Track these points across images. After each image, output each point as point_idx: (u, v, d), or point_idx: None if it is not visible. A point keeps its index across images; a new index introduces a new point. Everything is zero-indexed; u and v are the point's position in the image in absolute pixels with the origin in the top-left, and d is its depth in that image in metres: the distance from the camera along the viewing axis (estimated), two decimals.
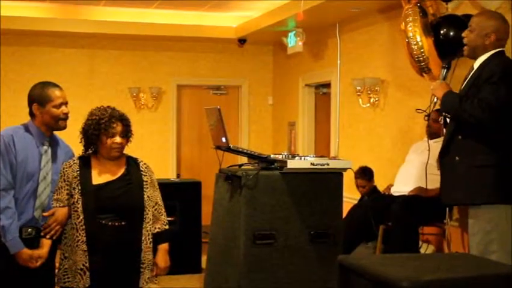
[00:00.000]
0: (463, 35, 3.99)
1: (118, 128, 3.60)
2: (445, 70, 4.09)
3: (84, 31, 8.70)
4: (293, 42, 8.00)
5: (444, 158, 3.93)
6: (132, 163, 3.75)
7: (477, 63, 3.91)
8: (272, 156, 4.67)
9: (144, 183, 3.70)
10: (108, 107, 3.69)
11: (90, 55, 9.28)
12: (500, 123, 3.70)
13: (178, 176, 9.36)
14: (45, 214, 3.61)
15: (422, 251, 5.69)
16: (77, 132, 3.70)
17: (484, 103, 3.65)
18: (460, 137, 3.80)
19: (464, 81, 4.00)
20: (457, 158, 3.81)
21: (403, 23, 5.35)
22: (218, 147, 4.67)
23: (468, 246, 3.99)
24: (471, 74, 3.92)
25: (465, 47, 3.97)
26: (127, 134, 3.65)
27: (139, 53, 9.43)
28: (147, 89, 9.44)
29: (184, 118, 9.89)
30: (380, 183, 6.50)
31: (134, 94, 9.34)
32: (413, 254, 4.70)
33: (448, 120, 4.04)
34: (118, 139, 3.60)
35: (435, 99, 4.03)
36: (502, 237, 3.75)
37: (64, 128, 3.75)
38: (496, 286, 2.48)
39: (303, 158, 4.61)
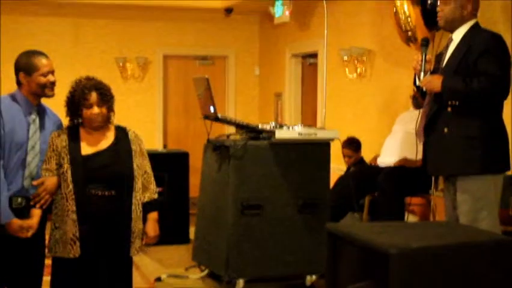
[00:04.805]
0: (438, 9, 3.99)
1: (93, 98, 3.57)
2: (424, 47, 4.02)
3: (68, 0, 8.61)
4: (280, 12, 7.97)
5: (430, 131, 3.95)
6: (121, 132, 3.74)
7: (457, 35, 3.91)
8: (260, 126, 4.69)
9: (133, 152, 3.70)
10: (86, 77, 3.68)
11: (75, 24, 9.19)
12: (508, 93, 3.75)
13: (165, 146, 9.37)
14: (34, 183, 3.61)
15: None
16: (62, 101, 3.69)
17: (492, 77, 3.67)
18: (449, 109, 3.82)
19: (443, 53, 4.00)
20: (445, 129, 3.83)
21: None
22: (206, 117, 4.69)
23: (448, 215, 4.04)
24: (453, 46, 3.92)
25: (441, 20, 3.96)
26: (105, 102, 3.62)
27: (124, 22, 9.35)
28: (133, 59, 9.38)
29: (171, 88, 9.86)
30: (367, 154, 6.54)
31: (121, 64, 9.29)
32: (401, 222, 4.76)
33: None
34: (95, 109, 3.58)
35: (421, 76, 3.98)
36: (490, 205, 3.81)
37: (52, 96, 3.73)
38: (482, 252, 2.53)
39: (290, 127, 4.64)
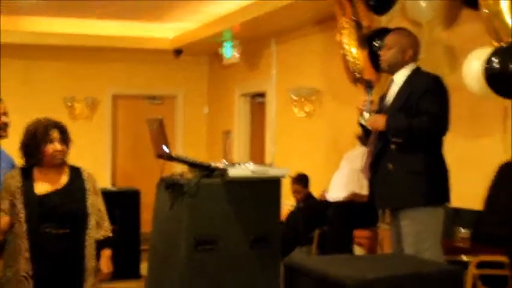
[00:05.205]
0: (381, 53, 4.19)
1: (55, 134, 3.63)
2: (369, 89, 4.20)
3: (19, 42, 8.56)
4: (229, 53, 8.10)
5: (376, 167, 4.10)
6: (74, 172, 3.78)
7: (399, 78, 4.09)
8: (213, 164, 4.74)
9: (86, 191, 3.73)
10: (43, 118, 3.71)
11: (25, 65, 9.14)
12: (448, 130, 3.93)
13: (113, 185, 9.31)
14: None
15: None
16: (13, 143, 3.70)
17: (433, 116, 3.86)
18: (393, 146, 3.98)
19: (385, 95, 4.17)
20: (390, 165, 3.99)
21: (338, 35, 5.52)
22: (160, 156, 4.72)
23: (393, 248, 4.17)
24: (396, 88, 4.09)
25: (384, 64, 4.16)
26: (65, 140, 3.68)
27: (74, 63, 9.35)
28: (82, 99, 9.36)
29: (120, 128, 9.85)
30: (315, 190, 6.65)
31: (69, 104, 9.26)
32: (351, 255, 4.85)
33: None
34: (58, 146, 3.62)
35: (365, 115, 4.15)
36: (433, 236, 3.97)
37: (5, 137, 3.75)
38: (432, 281, 2.64)
39: (243, 165, 4.71)
